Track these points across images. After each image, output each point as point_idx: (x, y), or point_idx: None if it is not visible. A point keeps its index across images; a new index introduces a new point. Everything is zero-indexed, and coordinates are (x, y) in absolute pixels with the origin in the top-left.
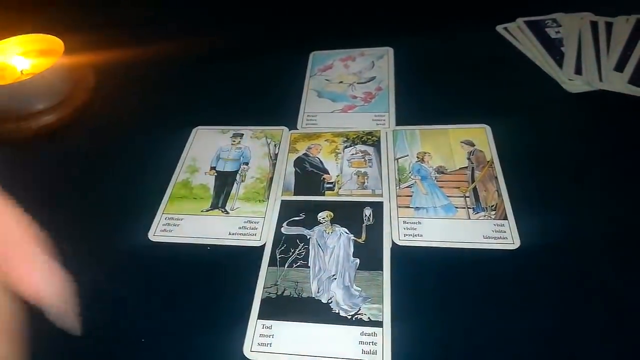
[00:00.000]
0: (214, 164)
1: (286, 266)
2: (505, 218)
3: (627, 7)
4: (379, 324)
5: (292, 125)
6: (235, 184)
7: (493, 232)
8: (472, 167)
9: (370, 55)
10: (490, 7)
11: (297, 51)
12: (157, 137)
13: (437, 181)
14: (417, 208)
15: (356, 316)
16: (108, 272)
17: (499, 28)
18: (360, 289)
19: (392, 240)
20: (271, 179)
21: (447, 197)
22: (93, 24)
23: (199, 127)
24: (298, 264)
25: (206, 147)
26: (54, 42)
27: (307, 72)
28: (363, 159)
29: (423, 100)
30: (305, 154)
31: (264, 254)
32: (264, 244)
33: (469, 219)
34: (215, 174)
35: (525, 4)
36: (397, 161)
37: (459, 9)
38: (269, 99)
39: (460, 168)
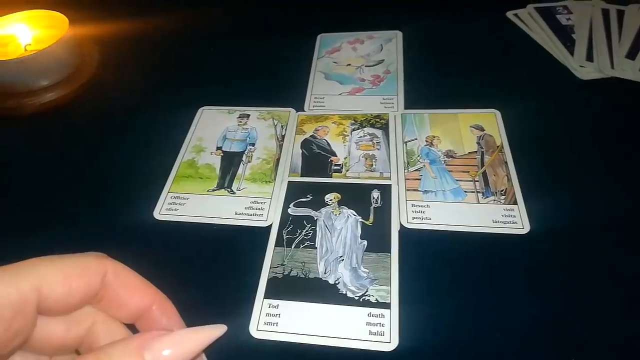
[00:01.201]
0: (220, 144)
1: (293, 247)
2: (515, 203)
3: None
4: (386, 305)
5: (299, 106)
6: (241, 165)
7: (502, 217)
8: (482, 152)
9: (379, 38)
10: None
11: (305, 33)
12: (163, 116)
13: (446, 165)
14: (425, 191)
15: (364, 297)
16: (112, 250)
17: (509, 14)
18: (367, 270)
19: (400, 223)
20: (278, 160)
21: (456, 181)
22: (98, 0)
23: (205, 106)
24: (305, 244)
25: (212, 127)
26: (58, 18)
27: (315, 54)
28: (371, 142)
29: (432, 84)
30: (312, 136)
31: (271, 235)
32: (271, 225)
33: (479, 203)
34: (222, 154)
35: None
36: (406, 144)
37: None
38: (276, 80)
39: (469, 152)
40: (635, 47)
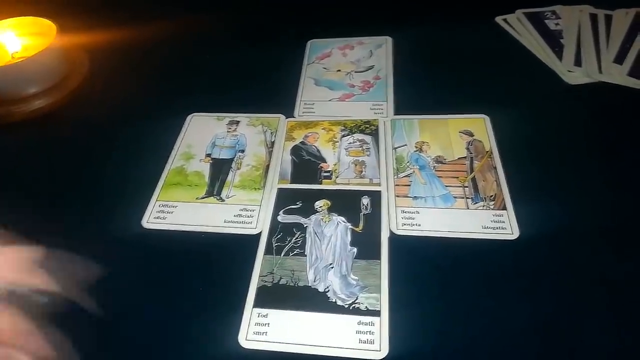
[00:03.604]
0: (209, 151)
1: (282, 254)
2: (504, 208)
3: (626, 0)
4: (376, 313)
5: (289, 113)
6: (230, 172)
7: (492, 223)
8: (471, 157)
9: (369, 44)
10: None
11: (294, 39)
12: (152, 123)
13: (435, 171)
14: (415, 197)
15: (353, 305)
16: (100, 259)
17: (498, 19)
18: (357, 278)
19: (390, 230)
20: (267, 167)
21: (445, 186)
22: (87, 8)
23: (194, 113)
24: (294, 252)
25: (201, 134)
26: (47, 25)
27: (305, 60)
28: (361, 148)
29: (421, 90)
30: (302, 142)
31: (260, 242)
32: (260, 232)
33: (468, 209)
34: (211, 161)
35: None
36: (395, 150)
37: None
38: (266, 87)
39: (459, 158)
40: (622, 52)
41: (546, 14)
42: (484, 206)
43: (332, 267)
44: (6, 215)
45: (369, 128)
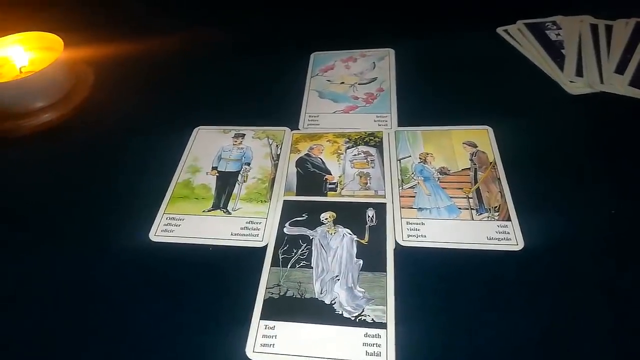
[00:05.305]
0: (215, 164)
1: (289, 267)
2: (509, 219)
3: (626, 11)
4: (383, 325)
5: (293, 125)
6: (237, 184)
7: (497, 233)
8: (475, 168)
9: (372, 56)
10: (491, 9)
11: (298, 51)
12: (158, 137)
13: (440, 182)
14: (420, 209)
15: (360, 317)
16: (108, 272)
17: (499, 30)
18: (363, 290)
19: (396, 241)
20: (273, 179)
21: (450, 198)
22: (93, 22)
23: (200, 127)
24: (301, 264)
25: (207, 147)
26: (54, 40)
27: (309, 72)
28: (365, 160)
29: (425, 101)
30: (307, 155)
31: (267, 255)
32: (266, 245)
33: (473, 220)
34: (217, 174)
35: (525, 7)
36: (400, 162)
37: (460, 10)
38: (271, 99)
39: (463, 169)
40: (623, 62)
41: (547, 24)
42: (488, 217)
43: (338, 279)
44: (14, 227)
45: (373, 140)
